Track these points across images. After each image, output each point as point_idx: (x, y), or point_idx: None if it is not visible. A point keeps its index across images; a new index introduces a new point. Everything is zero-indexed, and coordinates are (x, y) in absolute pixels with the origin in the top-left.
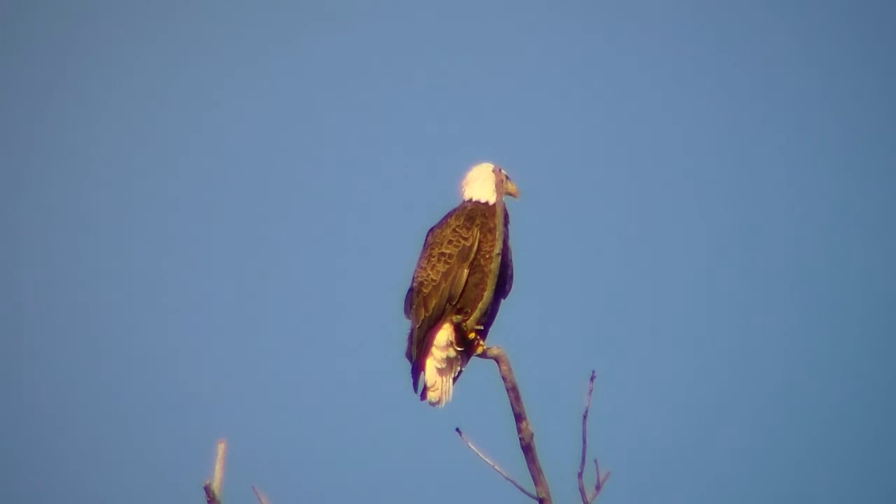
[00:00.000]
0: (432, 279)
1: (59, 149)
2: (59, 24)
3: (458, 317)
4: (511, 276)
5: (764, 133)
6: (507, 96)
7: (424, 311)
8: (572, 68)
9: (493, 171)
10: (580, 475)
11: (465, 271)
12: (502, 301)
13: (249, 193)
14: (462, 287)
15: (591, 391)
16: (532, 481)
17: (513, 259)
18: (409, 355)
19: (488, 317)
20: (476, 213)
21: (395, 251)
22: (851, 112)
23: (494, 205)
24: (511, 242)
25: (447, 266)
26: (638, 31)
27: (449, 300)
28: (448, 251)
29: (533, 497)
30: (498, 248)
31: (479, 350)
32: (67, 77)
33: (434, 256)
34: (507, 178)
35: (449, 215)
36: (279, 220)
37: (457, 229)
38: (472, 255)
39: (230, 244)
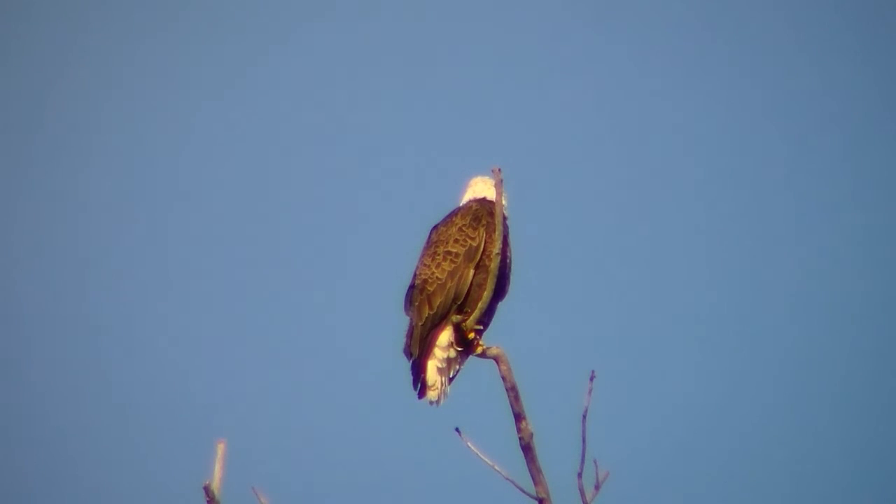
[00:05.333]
0: (437, 277)
1: (59, 149)
2: (59, 23)
3: (458, 316)
4: (509, 278)
5: (764, 133)
6: (506, 97)
7: (429, 308)
8: (572, 70)
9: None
10: (580, 475)
11: (471, 271)
12: (501, 301)
13: (249, 193)
14: (467, 287)
15: (590, 391)
16: (532, 481)
17: (513, 259)
18: (407, 352)
19: (486, 317)
20: (482, 213)
21: (392, 249)
22: (852, 112)
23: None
24: (512, 244)
25: (453, 265)
26: (638, 32)
27: (454, 300)
28: (454, 250)
29: (532, 497)
30: (497, 248)
31: (479, 350)
32: (66, 77)
33: (439, 255)
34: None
35: (454, 213)
36: (278, 220)
37: (463, 228)
38: (478, 256)
39: (230, 244)
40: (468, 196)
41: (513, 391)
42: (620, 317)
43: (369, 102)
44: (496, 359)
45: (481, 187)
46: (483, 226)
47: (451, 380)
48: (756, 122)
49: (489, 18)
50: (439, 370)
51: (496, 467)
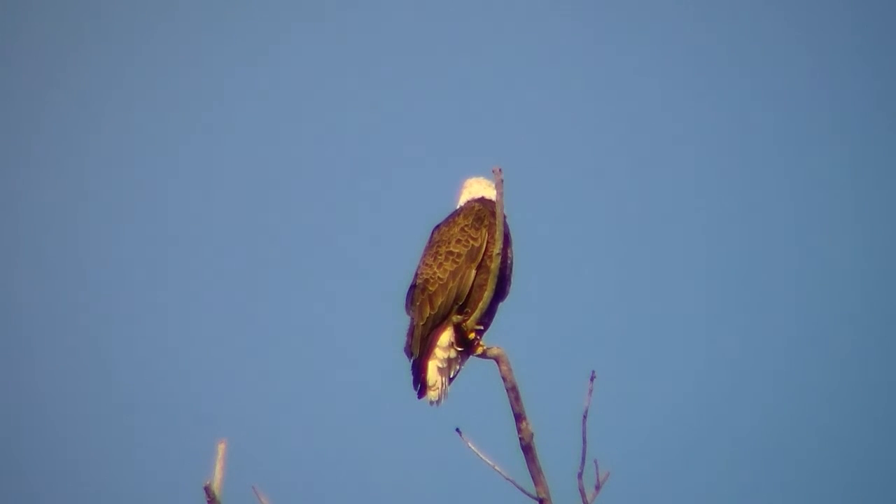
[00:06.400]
0: (439, 277)
1: (59, 149)
2: (59, 23)
3: (459, 317)
4: (509, 279)
5: (764, 134)
6: (506, 97)
7: (430, 308)
8: (572, 70)
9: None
10: (580, 475)
11: (473, 272)
12: (502, 301)
13: (249, 192)
14: (469, 287)
15: (591, 391)
16: (532, 481)
17: (513, 260)
18: (408, 350)
19: (487, 317)
20: (484, 214)
21: (394, 248)
22: (852, 112)
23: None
24: (513, 245)
25: (455, 265)
26: (638, 32)
27: (456, 300)
28: (456, 250)
29: (533, 497)
30: (498, 248)
31: (479, 350)
32: (66, 77)
33: (441, 255)
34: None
35: (456, 213)
36: (278, 220)
37: (465, 228)
38: (480, 256)
39: (230, 243)
40: (464, 197)
41: (513, 391)
42: (620, 317)
43: (370, 102)
44: (496, 359)
45: (476, 188)
46: (485, 226)
47: (451, 380)
48: (756, 121)
49: (489, 18)
50: (440, 370)
51: (496, 467)
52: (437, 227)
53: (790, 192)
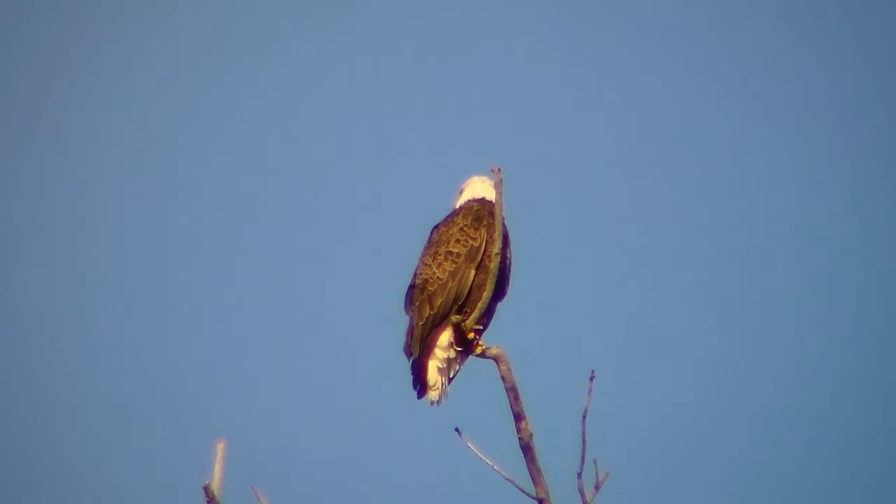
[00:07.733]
0: (438, 277)
1: (59, 149)
2: (58, 23)
3: (458, 316)
4: (508, 279)
5: (764, 134)
6: (506, 97)
7: (429, 308)
8: (572, 69)
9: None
10: (579, 475)
11: (472, 272)
12: (501, 301)
13: (249, 192)
14: (468, 287)
15: (590, 391)
16: (531, 481)
17: (512, 260)
18: (407, 350)
19: (486, 317)
20: (483, 214)
21: (393, 248)
22: (852, 112)
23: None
24: (512, 244)
25: (454, 265)
26: (638, 32)
27: (455, 300)
28: (456, 250)
29: (532, 497)
30: (497, 248)
31: (479, 350)
32: (66, 77)
33: (440, 255)
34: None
35: (455, 213)
36: (278, 220)
37: (464, 228)
38: (480, 256)
39: (230, 243)
40: (465, 196)
41: (512, 391)
42: (620, 317)
43: (369, 101)
44: (496, 359)
45: (476, 188)
46: (484, 226)
47: (450, 380)
48: (756, 122)
49: (488, 17)
50: (440, 370)
51: (496, 467)
52: (436, 227)
53: (790, 192)
